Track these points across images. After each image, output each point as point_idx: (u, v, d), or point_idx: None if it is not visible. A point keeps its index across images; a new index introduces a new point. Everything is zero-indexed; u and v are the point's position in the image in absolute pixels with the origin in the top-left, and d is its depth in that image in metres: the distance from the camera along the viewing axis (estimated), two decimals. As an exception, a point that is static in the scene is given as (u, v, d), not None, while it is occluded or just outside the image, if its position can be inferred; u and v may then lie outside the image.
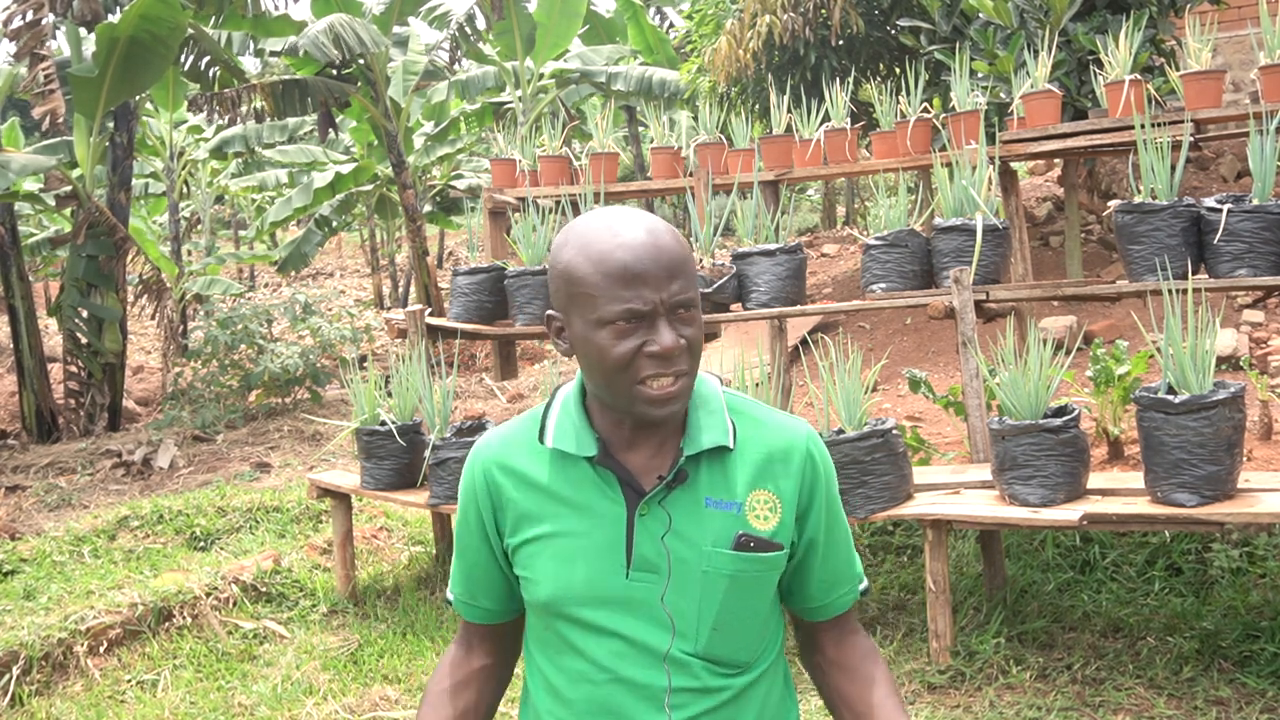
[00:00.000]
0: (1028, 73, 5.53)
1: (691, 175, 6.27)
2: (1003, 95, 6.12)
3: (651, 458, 1.43)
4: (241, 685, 3.99)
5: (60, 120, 8.38)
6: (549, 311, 1.43)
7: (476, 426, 4.47)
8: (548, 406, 1.49)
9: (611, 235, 1.34)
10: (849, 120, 5.86)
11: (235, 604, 4.63)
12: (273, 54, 11.44)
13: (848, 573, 1.54)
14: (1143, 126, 3.94)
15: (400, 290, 18.35)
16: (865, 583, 1.57)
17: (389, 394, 4.69)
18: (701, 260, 4.76)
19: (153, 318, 10.47)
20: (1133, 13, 5.93)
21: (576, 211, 5.28)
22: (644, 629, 1.40)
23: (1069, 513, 3.34)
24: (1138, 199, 3.92)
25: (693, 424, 1.43)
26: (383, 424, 4.54)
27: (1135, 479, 3.60)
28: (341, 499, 4.80)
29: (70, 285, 9.28)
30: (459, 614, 1.59)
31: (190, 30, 9.27)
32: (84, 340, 9.29)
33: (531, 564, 1.44)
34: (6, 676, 3.94)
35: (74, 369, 9.41)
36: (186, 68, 10.03)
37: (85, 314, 9.30)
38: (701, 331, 1.40)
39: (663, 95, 12.47)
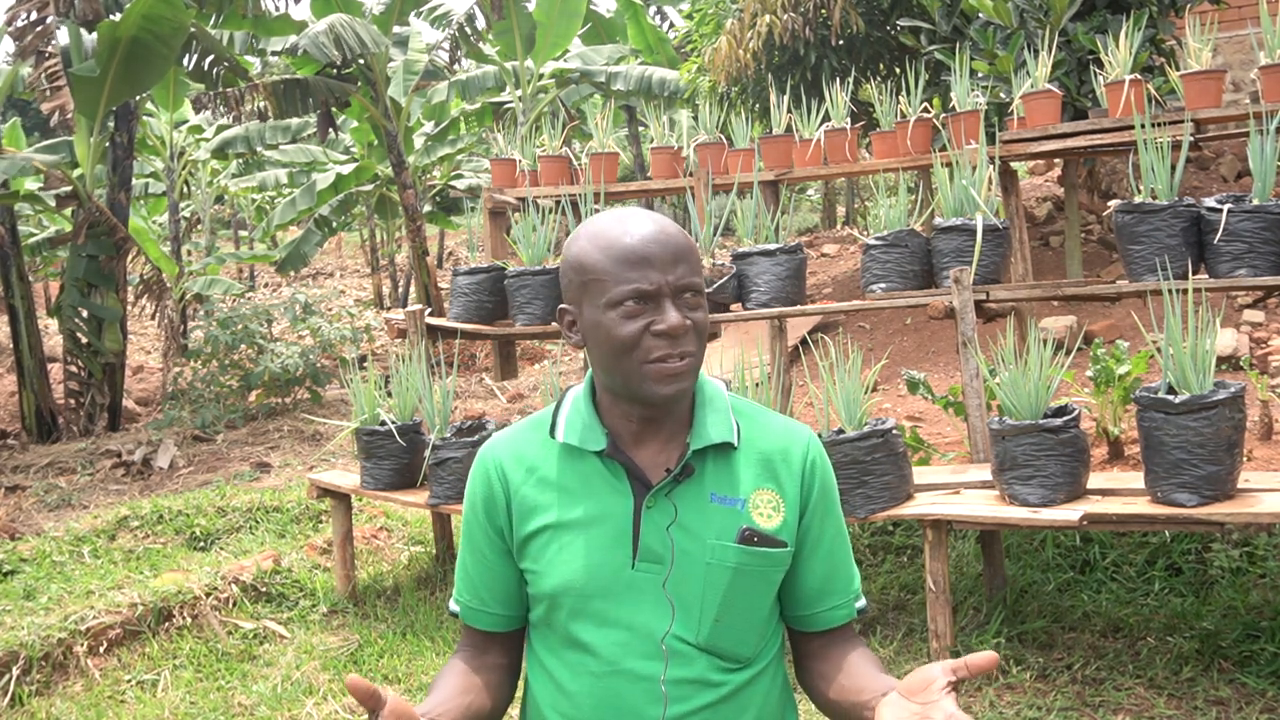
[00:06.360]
0: (1028, 73, 5.53)
1: (691, 175, 6.27)
2: (1003, 95, 6.12)
3: (659, 452, 1.46)
4: (241, 685, 3.99)
5: (70, 115, 8.38)
6: (561, 305, 1.47)
7: (476, 426, 4.48)
8: (558, 405, 1.52)
9: (620, 225, 1.41)
10: (849, 120, 5.85)
11: (235, 604, 4.63)
12: (273, 54, 11.45)
13: (842, 586, 1.53)
14: (1143, 126, 3.94)
15: (400, 290, 18.35)
16: (863, 602, 1.55)
17: (389, 394, 4.69)
18: (701, 260, 4.76)
19: (153, 318, 10.48)
20: (1133, 12, 5.93)
21: (576, 211, 5.28)
22: (645, 614, 1.42)
23: (1069, 513, 3.34)
24: (1138, 199, 3.92)
25: (699, 420, 1.46)
26: (383, 424, 4.54)
27: (1135, 479, 3.60)
28: (341, 499, 4.80)
29: (70, 285, 9.27)
30: (467, 623, 1.55)
31: (192, 29, 9.27)
32: (84, 340, 9.29)
33: (540, 555, 1.46)
34: (6, 676, 3.94)
35: (74, 369, 9.41)
36: (190, 67, 10.03)
37: (85, 314, 9.30)
38: (707, 320, 1.44)
39: (663, 95, 12.47)
